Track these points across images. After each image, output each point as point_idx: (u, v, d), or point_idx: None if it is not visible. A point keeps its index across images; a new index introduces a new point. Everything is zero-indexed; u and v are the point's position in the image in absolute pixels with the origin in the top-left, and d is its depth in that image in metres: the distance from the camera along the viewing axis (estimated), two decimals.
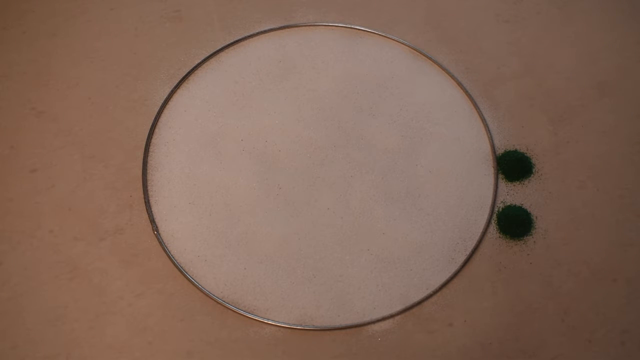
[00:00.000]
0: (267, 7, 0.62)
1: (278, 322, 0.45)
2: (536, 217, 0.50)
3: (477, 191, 0.52)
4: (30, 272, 0.47)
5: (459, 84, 0.57)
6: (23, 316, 0.45)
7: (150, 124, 0.55)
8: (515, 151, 0.53)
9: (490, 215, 0.50)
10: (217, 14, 0.62)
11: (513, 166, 0.52)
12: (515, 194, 0.52)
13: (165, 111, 0.56)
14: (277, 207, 0.50)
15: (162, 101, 0.56)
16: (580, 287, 0.47)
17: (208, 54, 0.59)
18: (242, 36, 0.60)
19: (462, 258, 0.48)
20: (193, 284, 0.47)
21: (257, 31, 0.60)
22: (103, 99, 0.56)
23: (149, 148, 0.54)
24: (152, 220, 0.50)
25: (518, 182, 0.52)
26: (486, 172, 0.53)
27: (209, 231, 0.49)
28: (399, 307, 0.46)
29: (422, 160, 0.53)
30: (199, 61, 0.58)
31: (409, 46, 0.60)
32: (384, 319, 0.46)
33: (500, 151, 0.54)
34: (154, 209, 0.50)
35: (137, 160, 0.53)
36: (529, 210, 0.51)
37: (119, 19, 0.61)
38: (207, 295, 0.46)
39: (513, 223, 0.50)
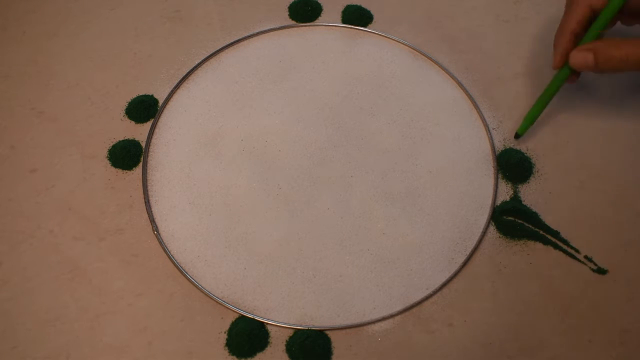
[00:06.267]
0: (267, 7, 0.62)
1: (278, 322, 0.45)
2: None
3: (477, 191, 0.52)
4: (30, 272, 0.47)
5: (459, 84, 0.57)
6: (23, 316, 0.45)
7: (150, 124, 0.55)
8: (516, 151, 0.53)
9: (490, 215, 0.50)
10: (217, 14, 0.62)
11: (513, 166, 0.52)
12: None
13: (165, 111, 0.56)
14: (277, 207, 0.50)
15: (162, 101, 0.56)
16: (580, 287, 0.47)
17: (208, 54, 0.59)
18: (242, 36, 0.60)
19: (462, 258, 0.48)
20: (193, 284, 0.47)
21: (257, 31, 0.60)
22: (103, 99, 0.56)
23: (149, 148, 0.54)
24: (152, 220, 0.50)
25: (518, 182, 0.52)
26: (486, 172, 0.53)
27: (209, 231, 0.49)
28: (399, 307, 0.46)
29: (422, 160, 0.53)
30: (199, 61, 0.58)
31: (409, 46, 0.60)
32: (384, 319, 0.46)
33: (500, 151, 0.54)
34: (154, 209, 0.50)
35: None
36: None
37: (119, 19, 0.61)
38: (207, 295, 0.46)
39: None
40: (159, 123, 0.55)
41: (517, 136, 0.52)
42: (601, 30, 0.45)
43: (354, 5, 0.62)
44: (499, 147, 0.54)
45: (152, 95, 0.56)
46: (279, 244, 0.49)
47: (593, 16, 0.45)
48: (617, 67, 0.45)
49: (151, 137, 0.54)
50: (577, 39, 0.46)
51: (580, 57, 0.45)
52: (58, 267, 0.48)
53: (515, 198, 0.51)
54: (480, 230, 0.50)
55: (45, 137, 0.54)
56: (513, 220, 0.50)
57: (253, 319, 0.45)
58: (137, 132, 0.54)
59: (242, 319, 0.45)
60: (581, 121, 0.55)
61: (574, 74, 0.48)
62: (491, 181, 0.52)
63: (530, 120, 0.50)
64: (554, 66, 0.48)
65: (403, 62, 0.59)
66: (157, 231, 0.49)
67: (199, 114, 0.55)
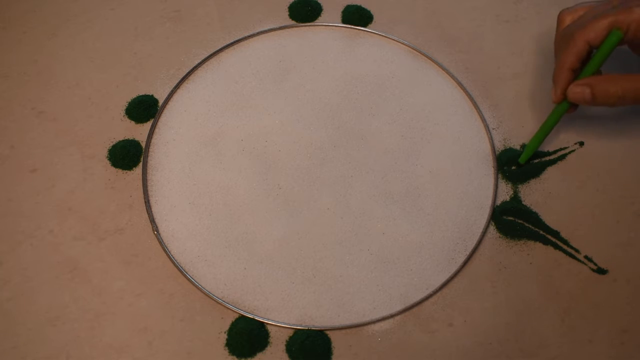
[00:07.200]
0: (267, 7, 0.62)
1: (278, 322, 0.45)
2: None
3: (477, 191, 0.52)
4: (30, 272, 0.47)
5: (459, 84, 0.57)
6: (23, 316, 0.45)
7: (151, 124, 0.55)
8: (516, 151, 0.53)
9: (490, 215, 0.50)
10: (217, 14, 0.62)
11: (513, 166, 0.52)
12: None
13: (165, 111, 0.56)
14: (277, 207, 0.50)
15: (162, 101, 0.56)
16: (580, 287, 0.47)
17: (208, 54, 0.59)
18: (242, 36, 0.60)
19: (462, 258, 0.48)
20: (193, 284, 0.47)
21: (257, 31, 0.60)
22: (103, 99, 0.56)
23: (149, 148, 0.54)
24: (152, 220, 0.50)
25: (518, 182, 0.52)
26: (486, 172, 0.53)
27: (209, 231, 0.49)
28: (399, 307, 0.46)
29: (422, 160, 0.53)
30: (199, 61, 0.58)
31: (409, 46, 0.60)
32: (384, 319, 0.46)
33: (500, 151, 0.54)
34: (154, 209, 0.50)
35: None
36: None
37: (119, 19, 0.61)
38: (207, 295, 0.46)
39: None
40: (159, 123, 0.55)
41: (519, 165, 0.52)
42: (599, 66, 0.46)
43: (354, 5, 0.62)
44: (499, 147, 0.54)
45: (152, 95, 0.56)
46: (279, 244, 0.49)
47: (591, 51, 0.46)
48: (614, 102, 0.46)
49: (151, 137, 0.54)
50: (576, 74, 0.47)
51: (577, 92, 0.47)
52: (58, 267, 0.48)
53: (515, 198, 0.51)
54: (480, 230, 0.50)
55: (45, 137, 0.54)
56: (513, 220, 0.50)
57: (253, 319, 0.45)
58: (137, 132, 0.54)
59: (242, 319, 0.45)
60: (581, 121, 0.55)
61: (573, 106, 0.49)
62: (491, 181, 0.52)
63: (532, 150, 0.51)
64: (554, 100, 0.49)
65: (403, 62, 0.59)
66: (157, 231, 0.49)
67: (199, 114, 0.55)
